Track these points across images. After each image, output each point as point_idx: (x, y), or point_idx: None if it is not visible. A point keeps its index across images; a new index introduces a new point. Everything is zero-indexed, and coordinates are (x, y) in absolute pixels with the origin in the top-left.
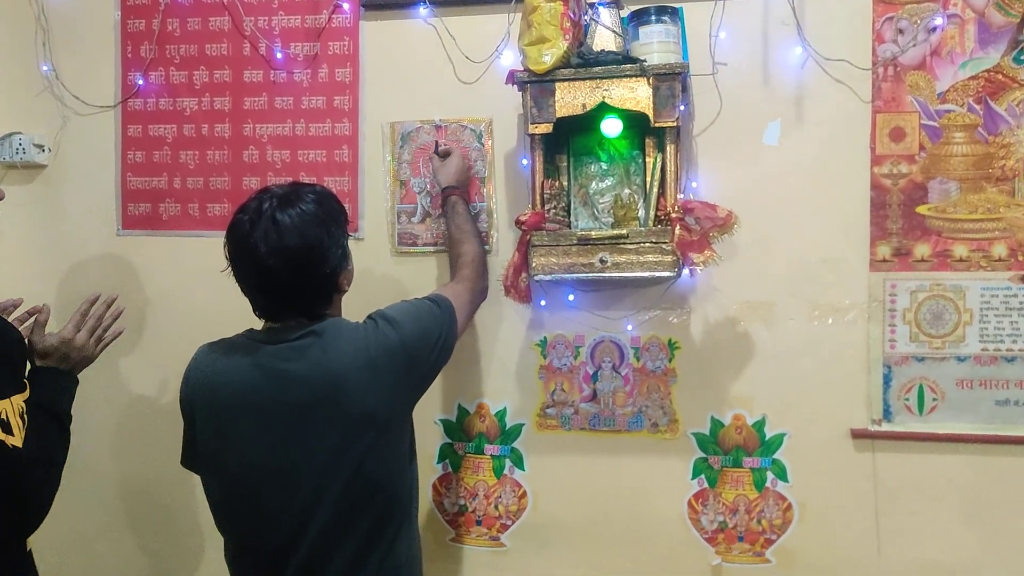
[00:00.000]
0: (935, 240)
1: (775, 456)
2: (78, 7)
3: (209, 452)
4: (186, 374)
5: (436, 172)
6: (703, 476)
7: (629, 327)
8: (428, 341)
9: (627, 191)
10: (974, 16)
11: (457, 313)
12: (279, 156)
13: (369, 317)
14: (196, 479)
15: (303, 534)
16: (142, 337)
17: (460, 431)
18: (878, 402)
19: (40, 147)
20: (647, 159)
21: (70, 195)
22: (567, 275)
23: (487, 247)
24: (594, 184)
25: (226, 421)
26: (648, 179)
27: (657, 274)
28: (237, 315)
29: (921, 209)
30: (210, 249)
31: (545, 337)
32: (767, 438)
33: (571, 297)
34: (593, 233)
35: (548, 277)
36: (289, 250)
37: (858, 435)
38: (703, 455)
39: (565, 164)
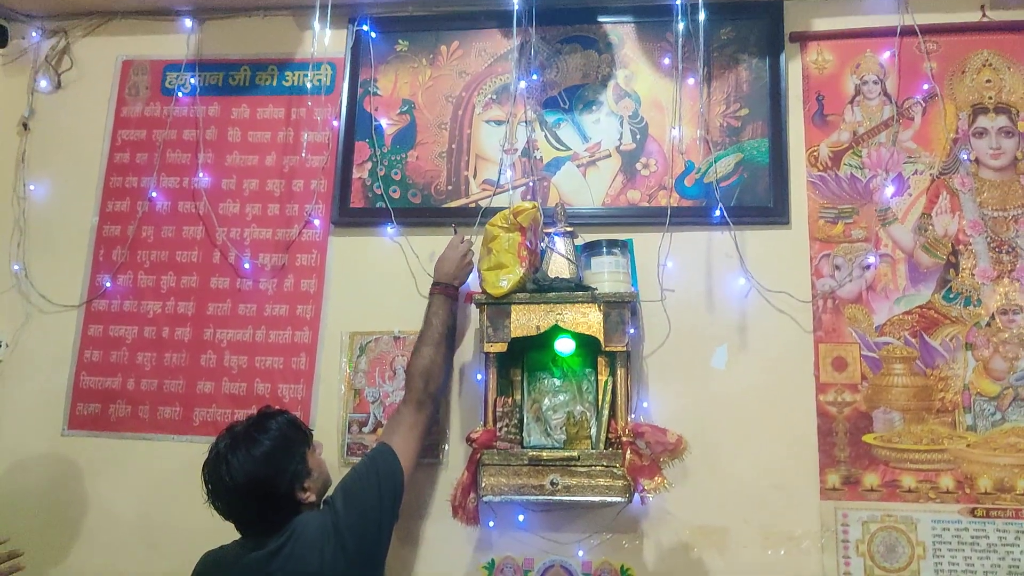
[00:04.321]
0: (883, 469)
1: None
2: (58, 211)
3: None
4: None
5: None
6: None
7: (580, 552)
8: (368, 516)
9: (580, 408)
10: (904, 256)
11: (401, 457)
12: (236, 361)
13: (324, 503)
14: None
15: None
16: (75, 542)
17: None
18: None
19: None
20: (600, 377)
21: (20, 392)
22: (517, 496)
23: (440, 454)
24: (547, 400)
25: None
26: (600, 397)
27: (608, 499)
28: (176, 524)
29: (867, 438)
30: (156, 453)
31: (493, 559)
32: None
33: (521, 518)
34: (544, 454)
35: (498, 499)
36: (238, 486)
37: None
38: None
39: (519, 378)
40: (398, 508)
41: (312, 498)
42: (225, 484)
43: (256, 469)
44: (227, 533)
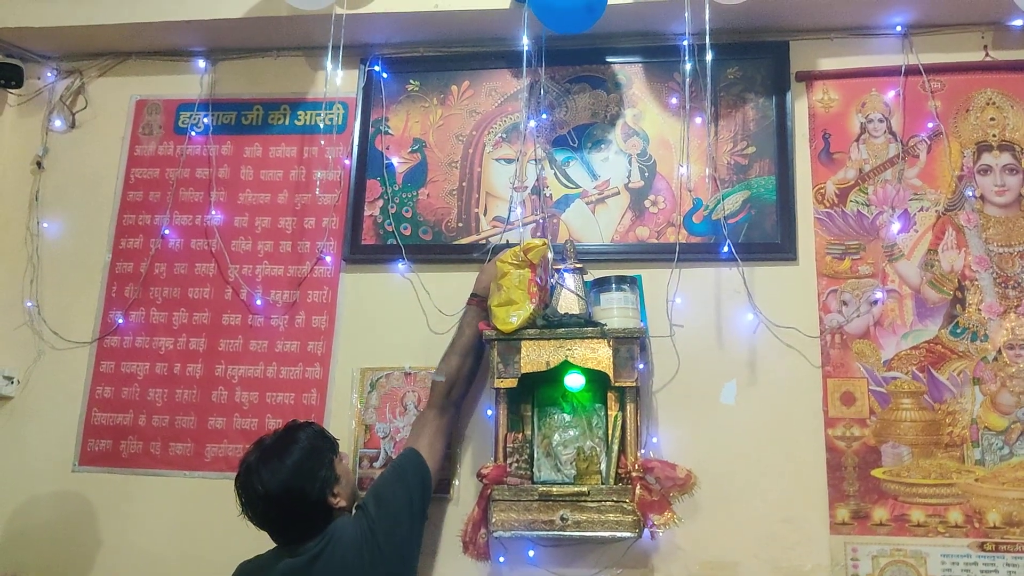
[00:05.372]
0: (892, 504)
1: None
2: (72, 249)
3: None
4: None
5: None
6: None
7: None
8: (400, 517)
9: (589, 443)
10: (911, 292)
11: (427, 459)
12: (247, 397)
13: (357, 507)
14: None
15: None
16: None
17: None
18: None
19: (9, 379)
20: (609, 411)
21: (32, 429)
22: (527, 532)
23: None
24: (557, 435)
25: None
26: (609, 432)
27: (618, 535)
28: (188, 560)
29: (876, 472)
30: (168, 489)
31: None
32: None
33: (531, 553)
34: (554, 489)
35: (508, 534)
36: (271, 494)
37: None
38: None
39: (530, 414)
40: (427, 509)
41: (343, 503)
42: (259, 494)
43: (288, 477)
44: None
